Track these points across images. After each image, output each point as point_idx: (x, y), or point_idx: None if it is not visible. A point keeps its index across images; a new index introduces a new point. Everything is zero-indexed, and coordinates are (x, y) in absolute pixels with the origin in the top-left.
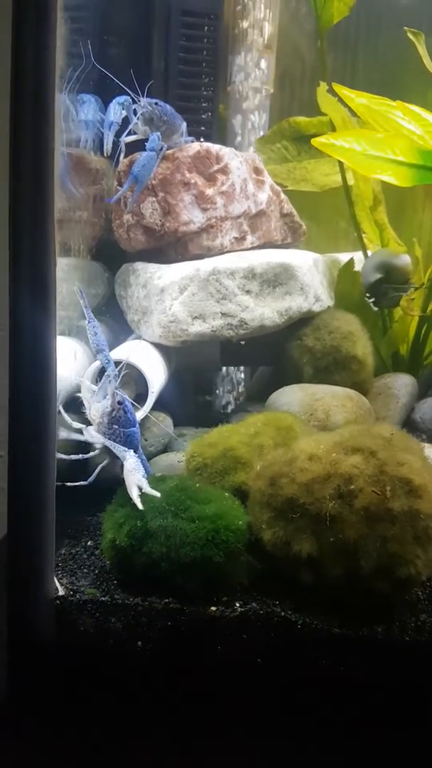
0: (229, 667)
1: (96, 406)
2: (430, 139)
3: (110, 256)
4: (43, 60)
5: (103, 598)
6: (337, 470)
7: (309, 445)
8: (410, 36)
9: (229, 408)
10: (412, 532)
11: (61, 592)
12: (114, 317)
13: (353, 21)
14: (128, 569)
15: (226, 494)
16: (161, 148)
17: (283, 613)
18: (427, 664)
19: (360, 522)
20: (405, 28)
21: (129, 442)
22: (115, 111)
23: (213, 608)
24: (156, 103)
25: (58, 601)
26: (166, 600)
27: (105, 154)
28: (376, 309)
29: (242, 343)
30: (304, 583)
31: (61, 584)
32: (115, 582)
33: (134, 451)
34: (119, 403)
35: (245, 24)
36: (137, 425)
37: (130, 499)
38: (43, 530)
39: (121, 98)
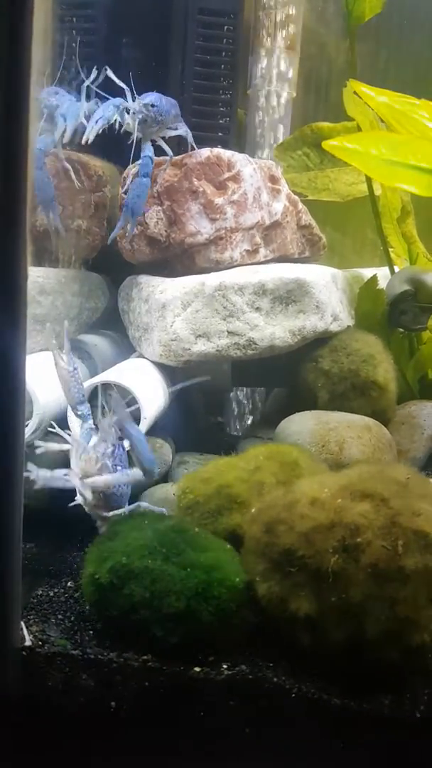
0: (213, 737)
1: (88, 454)
2: None
3: (116, 268)
4: (16, 50)
5: (74, 652)
6: (342, 519)
7: (312, 487)
8: None
9: (239, 433)
10: (427, 594)
11: (29, 642)
12: (121, 332)
13: (384, 19)
14: (106, 611)
15: (228, 546)
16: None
17: (275, 679)
18: None
19: (367, 580)
20: None
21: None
22: (107, 109)
23: (197, 669)
24: (152, 106)
25: (24, 653)
26: (144, 657)
27: (85, 142)
28: (402, 330)
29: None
30: (301, 646)
31: (30, 632)
32: (91, 632)
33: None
34: (120, 438)
35: (267, 23)
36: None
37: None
38: (7, 569)
39: (117, 101)
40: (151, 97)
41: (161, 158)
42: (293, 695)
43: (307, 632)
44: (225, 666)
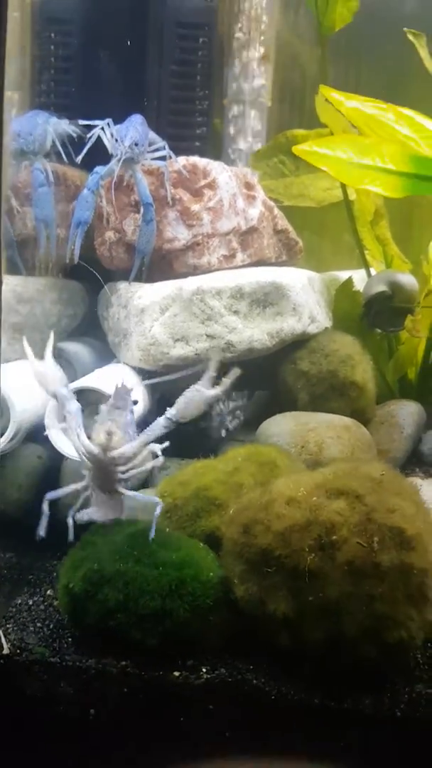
0: (193, 742)
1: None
2: (424, 145)
3: (94, 275)
4: None
5: (52, 659)
6: (318, 517)
7: (287, 486)
8: (411, 37)
9: (221, 436)
10: (404, 590)
11: (6, 650)
12: (101, 339)
13: (355, 28)
14: (82, 619)
15: (201, 544)
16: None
17: (255, 681)
18: (422, 743)
19: (343, 578)
20: (405, 29)
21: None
22: (82, 212)
23: (176, 673)
24: (135, 144)
25: (2, 661)
26: (123, 663)
27: (69, 260)
28: (379, 331)
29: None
30: (281, 647)
31: (8, 641)
32: (69, 639)
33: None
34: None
35: (241, 34)
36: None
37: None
38: None
39: (100, 168)
40: (130, 132)
41: (158, 165)
42: (272, 697)
43: (286, 632)
44: (204, 670)
